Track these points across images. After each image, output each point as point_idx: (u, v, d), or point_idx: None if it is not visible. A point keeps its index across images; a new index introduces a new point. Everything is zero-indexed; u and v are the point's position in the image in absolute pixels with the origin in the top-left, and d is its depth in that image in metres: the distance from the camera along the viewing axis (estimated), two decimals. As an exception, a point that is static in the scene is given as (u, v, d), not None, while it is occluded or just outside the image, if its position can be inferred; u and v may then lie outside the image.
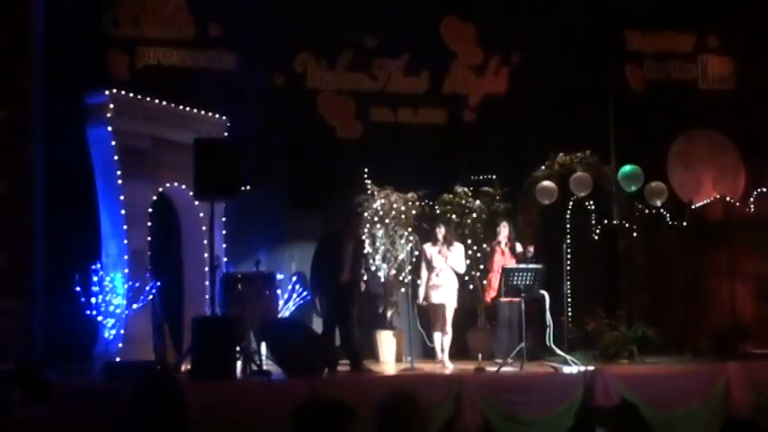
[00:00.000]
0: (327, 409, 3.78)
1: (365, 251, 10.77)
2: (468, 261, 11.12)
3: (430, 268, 10.39)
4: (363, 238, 10.76)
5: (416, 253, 10.75)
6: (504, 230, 10.83)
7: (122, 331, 9.33)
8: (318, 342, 9.35)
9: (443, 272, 10.36)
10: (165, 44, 11.18)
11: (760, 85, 12.52)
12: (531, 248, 10.34)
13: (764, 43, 12.46)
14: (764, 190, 12.11)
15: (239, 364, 8.91)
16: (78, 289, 9.10)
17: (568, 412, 8.80)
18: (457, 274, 10.46)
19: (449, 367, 10.09)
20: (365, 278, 10.43)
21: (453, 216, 11.54)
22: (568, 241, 11.09)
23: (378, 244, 11.27)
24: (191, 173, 9.05)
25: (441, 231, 10.45)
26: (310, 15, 11.58)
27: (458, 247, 10.51)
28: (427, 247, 10.52)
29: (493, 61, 12.49)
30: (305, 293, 10.58)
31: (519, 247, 10.60)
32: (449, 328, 10.36)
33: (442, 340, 10.35)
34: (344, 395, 6.88)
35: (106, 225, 9.65)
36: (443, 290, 10.35)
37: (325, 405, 3.81)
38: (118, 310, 9.31)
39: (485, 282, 11.19)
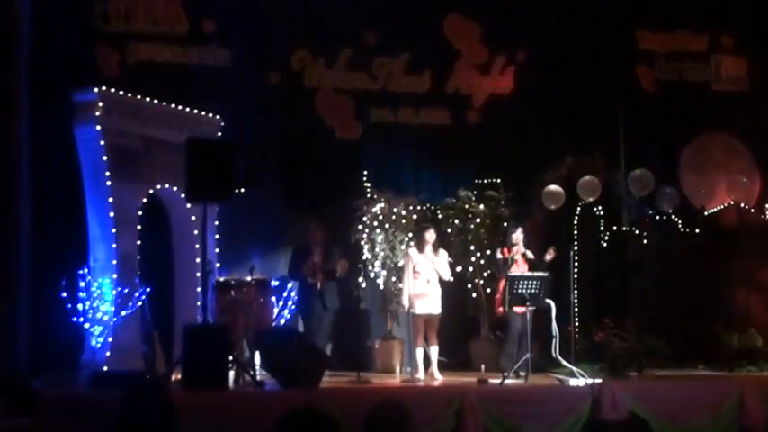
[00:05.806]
0: (310, 420, 3.71)
1: (364, 257, 10.67)
2: (470, 268, 11.06)
3: (415, 275, 10.04)
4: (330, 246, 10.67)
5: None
6: (520, 236, 10.37)
7: (110, 339, 9.24)
8: (314, 351, 9.22)
9: (432, 280, 10.02)
10: (156, 40, 11.08)
11: (775, 87, 12.54)
12: (552, 252, 10.11)
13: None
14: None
15: (232, 373, 8.83)
16: (65, 295, 9.03)
17: (575, 426, 8.70)
18: (441, 281, 10.14)
19: (438, 379, 9.88)
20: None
21: (456, 221, 11.41)
22: (576, 248, 11.03)
23: (377, 250, 11.13)
24: (182, 174, 8.95)
25: (431, 235, 10.12)
26: (308, 11, 11.49)
27: (443, 254, 10.21)
28: (413, 252, 10.20)
29: (498, 60, 12.34)
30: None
31: (529, 254, 10.26)
32: (435, 339, 10.06)
33: (429, 352, 10.02)
34: (341, 406, 6.76)
35: (94, 228, 9.55)
36: (432, 299, 10.04)
37: (307, 415, 3.74)
38: (106, 317, 9.22)
39: (489, 290, 10.92)
